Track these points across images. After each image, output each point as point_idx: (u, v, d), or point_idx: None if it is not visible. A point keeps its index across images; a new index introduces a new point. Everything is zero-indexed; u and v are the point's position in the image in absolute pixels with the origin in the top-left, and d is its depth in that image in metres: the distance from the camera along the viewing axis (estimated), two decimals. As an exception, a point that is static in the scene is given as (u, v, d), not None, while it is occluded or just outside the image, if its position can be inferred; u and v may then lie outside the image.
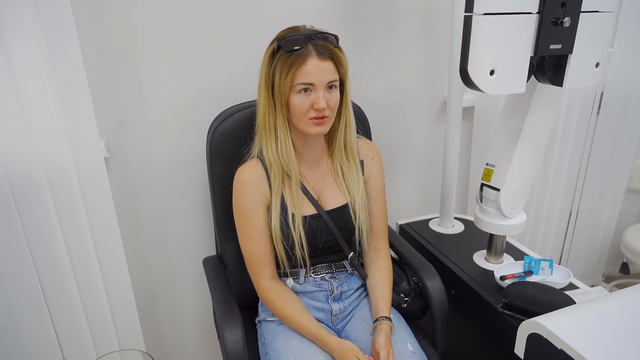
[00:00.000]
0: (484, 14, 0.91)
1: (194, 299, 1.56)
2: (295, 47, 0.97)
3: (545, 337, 0.82)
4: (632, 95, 1.86)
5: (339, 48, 1.02)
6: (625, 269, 2.12)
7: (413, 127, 1.66)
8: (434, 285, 1.18)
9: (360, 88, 1.50)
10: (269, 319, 1.16)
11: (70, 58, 1.08)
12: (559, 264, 1.39)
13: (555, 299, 1.08)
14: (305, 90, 0.99)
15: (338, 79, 1.02)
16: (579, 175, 1.97)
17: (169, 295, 1.53)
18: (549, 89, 1.11)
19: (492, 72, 0.96)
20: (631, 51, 1.77)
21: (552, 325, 0.82)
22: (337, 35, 1.02)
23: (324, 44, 0.99)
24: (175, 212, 1.44)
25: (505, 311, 1.15)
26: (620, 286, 2.22)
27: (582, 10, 0.97)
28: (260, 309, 1.21)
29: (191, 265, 1.50)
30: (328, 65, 0.99)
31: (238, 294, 1.25)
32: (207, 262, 1.34)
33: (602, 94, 1.83)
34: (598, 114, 1.87)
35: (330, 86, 1.01)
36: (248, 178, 1.08)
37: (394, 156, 1.66)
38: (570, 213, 2.04)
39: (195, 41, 1.28)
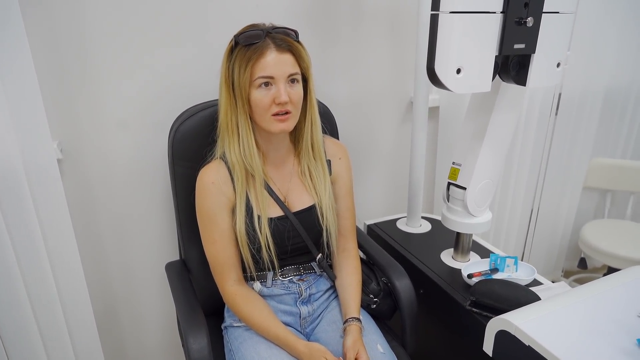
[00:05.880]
0: (450, 12, 0.91)
1: (156, 306, 1.50)
2: (253, 42, 0.95)
3: (513, 333, 0.83)
4: (588, 96, 1.93)
5: (299, 42, 1.01)
6: (583, 264, 2.21)
7: (380, 127, 1.65)
8: (403, 285, 1.18)
9: (327, 87, 1.48)
10: (235, 325, 1.12)
11: (16, 52, 1.02)
12: (522, 260, 1.42)
13: (521, 296, 1.10)
14: (266, 84, 0.97)
15: (299, 72, 1.00)
16: (539, 174, 2.03)
17: (130, 303, 1.46)
18: (512, 88, 1.12)
19: (458, 71, 0.96)
20: (586, 53, 1.83)
21: (519, 322, 0.83)
22: (296, 31, 1.01)
23: (283, 37, 0.98)
24: (136, 216, 1.37)
25: (473, 309, 1.16)
26: (579, 280, 2.30)
27: (544, 10, 0.99)
28: (226, 314, 1.17)
29: (154, 271, 1.44)
30: (287, 57, 0.97)
31: (203, 300, 1.21)
32: (170, 267, 1.28)
33: (559, 94, 1.89)
34: (556, 114, 1.93)
35: (291, 80, 0.99)
36: (211, 180, 1.04)
37: (361, 156, 1.65)
38: (532, 210, 2.09)
39: (156, 37, 1.23)
